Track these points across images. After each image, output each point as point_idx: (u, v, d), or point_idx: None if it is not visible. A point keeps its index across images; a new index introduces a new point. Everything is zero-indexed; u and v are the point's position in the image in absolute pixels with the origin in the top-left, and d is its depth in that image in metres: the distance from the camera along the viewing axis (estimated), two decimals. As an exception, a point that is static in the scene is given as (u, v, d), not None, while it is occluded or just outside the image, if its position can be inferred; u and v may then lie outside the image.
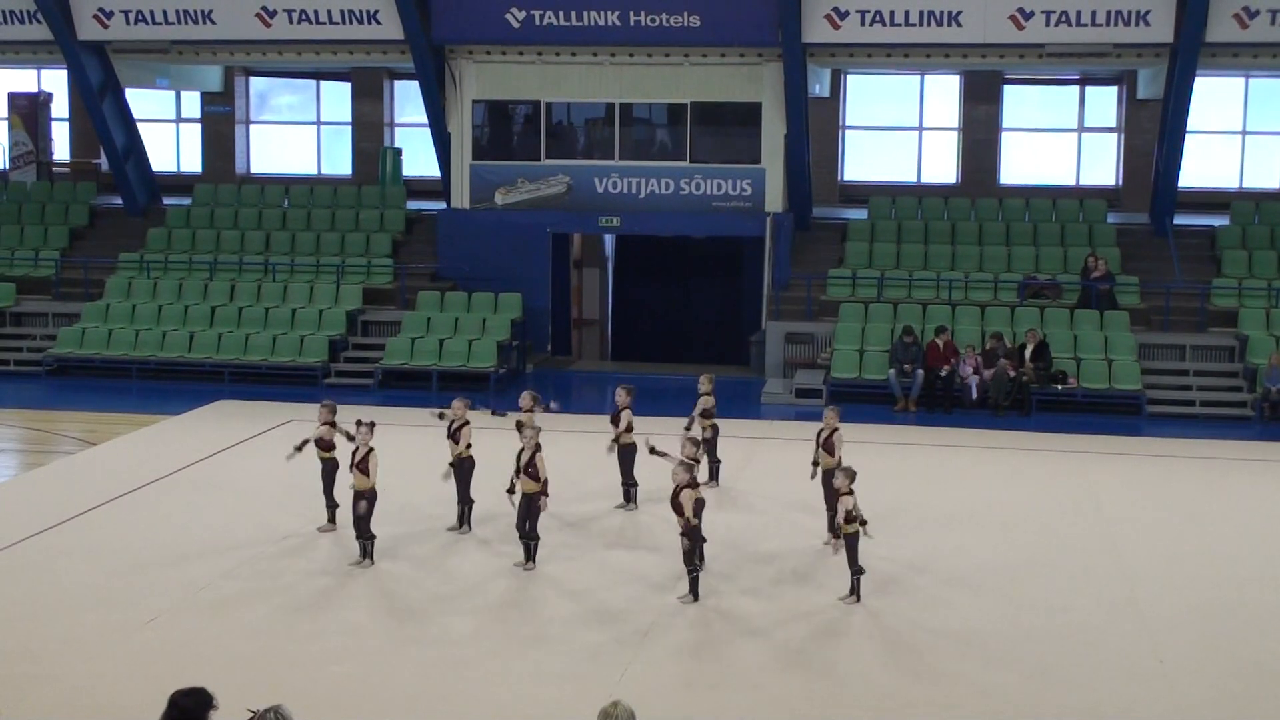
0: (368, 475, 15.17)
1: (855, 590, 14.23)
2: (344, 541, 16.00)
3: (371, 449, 15.35)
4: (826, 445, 16.37)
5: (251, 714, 7.33)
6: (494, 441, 17.65)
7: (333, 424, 16.50)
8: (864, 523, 14.24)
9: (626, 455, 17.48)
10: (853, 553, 14.23)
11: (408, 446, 19.52)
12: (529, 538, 15.22)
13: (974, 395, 25.07)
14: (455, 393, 23.78)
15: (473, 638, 13.19)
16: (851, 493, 14.29)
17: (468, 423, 16.51)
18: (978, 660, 12.76)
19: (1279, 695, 12.08)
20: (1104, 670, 12.52)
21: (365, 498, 15.18)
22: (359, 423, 15.55)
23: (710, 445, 18.35)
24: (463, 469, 16.48)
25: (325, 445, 16.51)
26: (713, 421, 18.56)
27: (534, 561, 15.22)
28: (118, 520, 17.04)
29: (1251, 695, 12.10)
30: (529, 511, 15.19)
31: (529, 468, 15.15)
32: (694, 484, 14.11)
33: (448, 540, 16.31)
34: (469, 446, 16.46)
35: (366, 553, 15.27)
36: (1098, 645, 13.15)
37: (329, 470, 16.54)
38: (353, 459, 15.38)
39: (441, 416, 17.06)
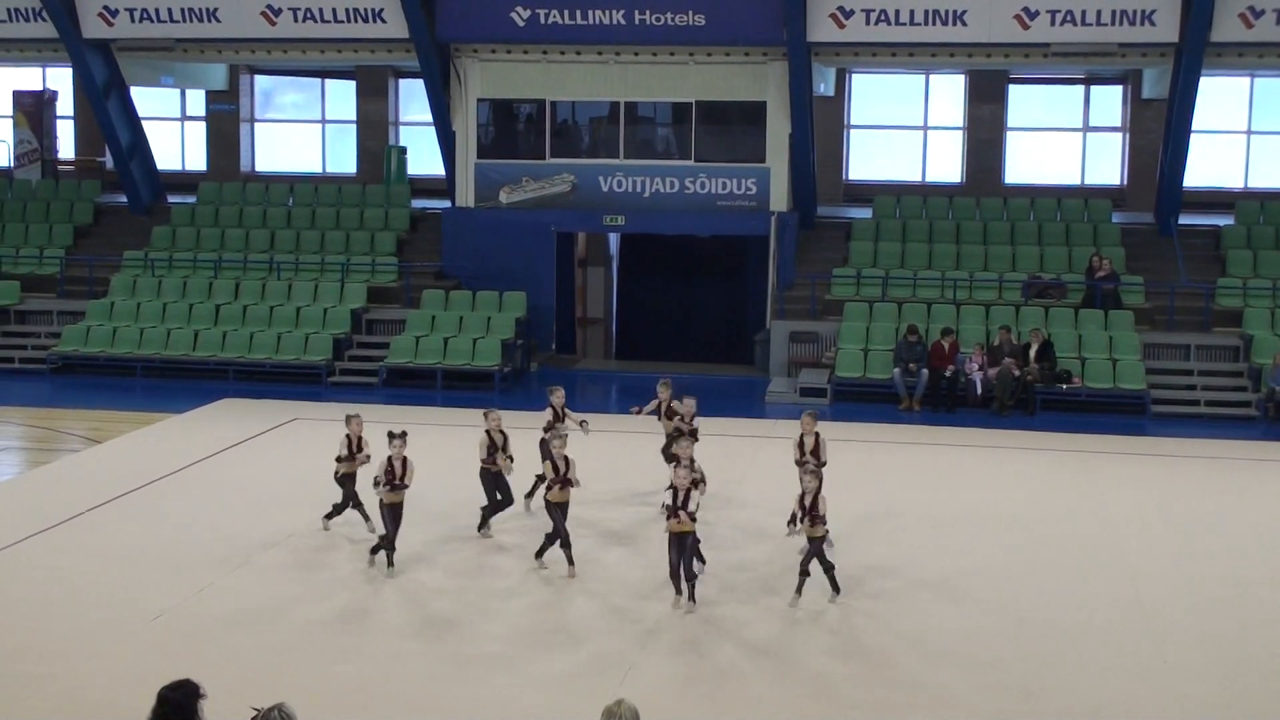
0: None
1: (805, 588, 14.21)
2: (345, 541, 16.06)
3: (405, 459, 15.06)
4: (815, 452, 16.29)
5: (255, 712, 7.33)
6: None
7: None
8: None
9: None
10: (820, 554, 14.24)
11: (412, 446, 19.47)
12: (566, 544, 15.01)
13: (979, 390, 25.06)
14: (460, 393, 23.85)
15: (478, 639, 13.18)
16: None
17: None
18: (981, 658, 12.74)
19: (1283, 695, 12.10)
20: (1109, 669, 12.50)
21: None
22: (391, 434, 15.14)
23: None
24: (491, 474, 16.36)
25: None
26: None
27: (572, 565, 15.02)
28: (121, 519, 17.03)
29: (1256, 694, 12.08)
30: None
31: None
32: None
33: (454, 541, 16.29)
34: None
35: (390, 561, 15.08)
36: (1102, 644, 13.13)
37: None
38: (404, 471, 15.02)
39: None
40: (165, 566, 15.06)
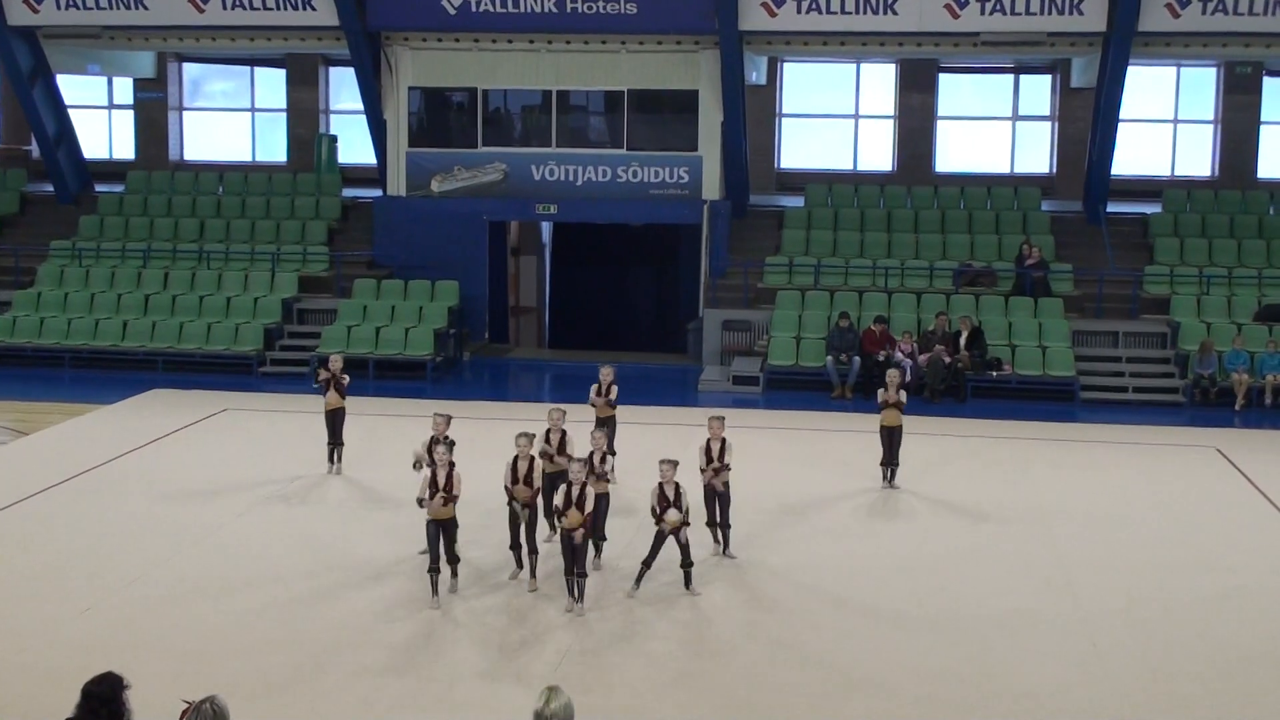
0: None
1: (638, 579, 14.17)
2: (277, 533, 15.97)
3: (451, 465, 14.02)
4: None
5: (186, 704, 7.29)
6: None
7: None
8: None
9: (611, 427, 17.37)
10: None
11: (346, 435, 19.39)
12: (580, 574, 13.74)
13: (908, 377, 25.01)
14: (392, 382, 23.71)
15: (411, 628, 13.16)
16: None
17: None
18: (915, 644, 12.84)
19: (1210, 676, 12.24)
20: (1038, 654, 12.63)
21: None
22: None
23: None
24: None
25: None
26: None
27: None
28: (49, 511, 16.83)
29: (1185, 678, 12.24)
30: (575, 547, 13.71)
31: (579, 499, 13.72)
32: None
33: (398, 530, 16.23)
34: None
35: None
36: (1032, 629, 13.28)
37: None
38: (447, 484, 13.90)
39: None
40: (94, 559, 14.91)
